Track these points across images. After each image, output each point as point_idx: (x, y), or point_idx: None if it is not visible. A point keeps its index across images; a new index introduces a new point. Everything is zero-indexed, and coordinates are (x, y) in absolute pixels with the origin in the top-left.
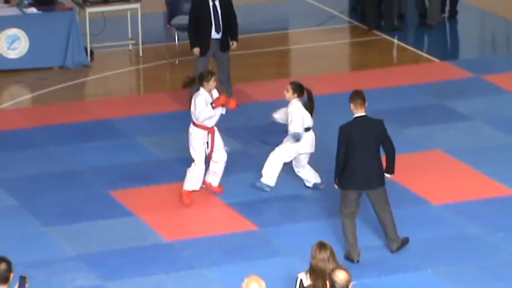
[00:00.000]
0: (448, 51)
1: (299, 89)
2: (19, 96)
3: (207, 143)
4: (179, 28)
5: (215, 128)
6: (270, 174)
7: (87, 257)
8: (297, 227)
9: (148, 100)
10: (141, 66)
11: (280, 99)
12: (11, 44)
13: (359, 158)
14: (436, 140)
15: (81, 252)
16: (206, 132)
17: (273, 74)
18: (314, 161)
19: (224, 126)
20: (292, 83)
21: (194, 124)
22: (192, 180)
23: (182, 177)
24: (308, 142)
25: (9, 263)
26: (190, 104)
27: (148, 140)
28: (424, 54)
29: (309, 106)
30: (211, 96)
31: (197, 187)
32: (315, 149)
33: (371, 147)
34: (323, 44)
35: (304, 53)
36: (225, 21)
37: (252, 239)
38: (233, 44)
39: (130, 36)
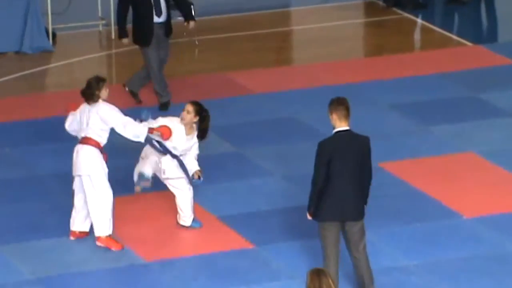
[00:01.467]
0: (483, 33)
1: (202, 111)
2: None
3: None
4: None
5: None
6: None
7: (48, 280)
8: (299, 245)
9: (122, 92)
10: (113, 51)
11: (281, 90)
12: None
13: (342, 181)
14: (468, 140)
15: (40, 275)
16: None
17: (271, 60)
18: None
19: (214, 123)
20: (193, 103)
21: (87, 140)
22: (103, 218)
23: (163, 185)
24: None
25: None
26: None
27: (122, 141)
28: (454, 37)
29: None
30: None
31: (110, 232)
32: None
33: (356, 168)
34: (332, 24)
35: (309, 35)
36: (167, 1)
37: (247, 259)
38: (189, 24)
39: (100, 15)
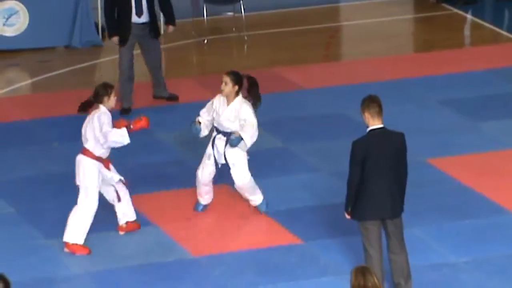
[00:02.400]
0: None
1: (238, 79)
2: (17, 82)
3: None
4: (208, 0)
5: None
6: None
7: (96, 275)
8: (347, 241)
9: (172, 87)
10: (163, 46)
11: (330, 86)
12: (7, 19)
13: (378, 180)
14: None
15: (89, 269)
16: (100, 164)
17: (319, 56)
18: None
19: (262, 119)
20: (229, 73)
21: (86, 152)
22: (79, 227)
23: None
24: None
25: (7, 283)
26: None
27: (170, 135)
28: (504, 33)
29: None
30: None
31: (82, 240)
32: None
33: (392, 166)
34: (380, 20)
35: (357, 31)
36: (150, 1)
37: (295, 255)
38: (169, 29)
39: None
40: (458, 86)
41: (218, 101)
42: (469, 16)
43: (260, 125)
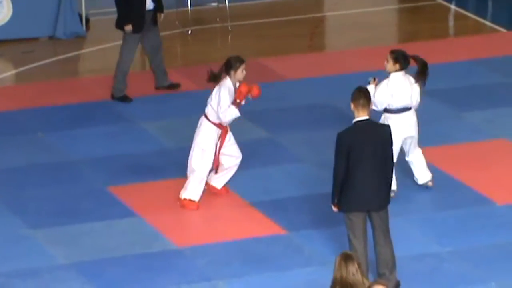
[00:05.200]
0: None
1: (402, 59)
2: (1, 73)
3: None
4: None
5: (228, 127)
6: None
7: (82, 265)
8: (331, 231)
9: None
10: None
11: (315, 76)
12: None
13: (363, 171)
14: (501, 127)
15: (74, 259)
16: (219, 130)
17: (304, 46)
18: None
19: (247, 109)
20: (392, 52)
21: (208, 117)
22: (193, 188)
23: None
24: (406, 122)
25: None
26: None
27: (154, 126)
28: (488, 23)
29: (420, 77)
30: (235, 87)
31: (197, 198)
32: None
33: (377, 157)
34: (365, 10)
35: (342, 21)
36: None
37: (280, 245)
38: (161, 17)
39: None
40: (442, 77)
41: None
42: (452, 7)
43: (244, 115)
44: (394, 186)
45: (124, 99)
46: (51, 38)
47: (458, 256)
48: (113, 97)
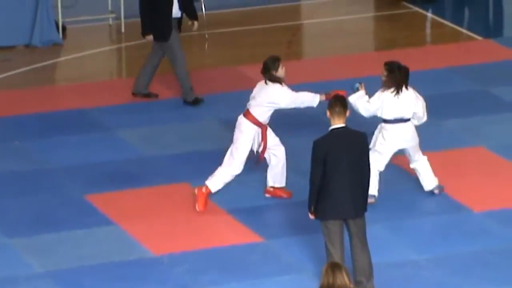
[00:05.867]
0: (493, 27)
1: (397, 70)
2: None
3: (257, 141)
4: None
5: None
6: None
7: (59, 274)
8: (309, 239)
9: (132, 86)
10: (123, 44)
11: (292, 84)
12: None
13: (339, 179)
14: (478, 135)
15: (51, 268)
16: (259, 129)
17: (281, 54)
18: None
19: (224, 117)
20: (386, 64)
21: (248, 115)
22: (218, 179)
23: (172, 178)
24: (401, 134)
25: None
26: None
27: (131, 134)
28: (464, 31)
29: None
30: None
31: (214, 189)
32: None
33: (353, 165)
34: (342, 18)
35: (319, 29)
36: None
37: (257, 253)
38: (195, 25)
39: (110, 8)
40: (419, 84)
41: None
42: (429, 15)
43: (221, 123)
44: (375, 192)
45: (196, 102)
46: (27, 46)
47: (435, 263)
48: (185, 102)
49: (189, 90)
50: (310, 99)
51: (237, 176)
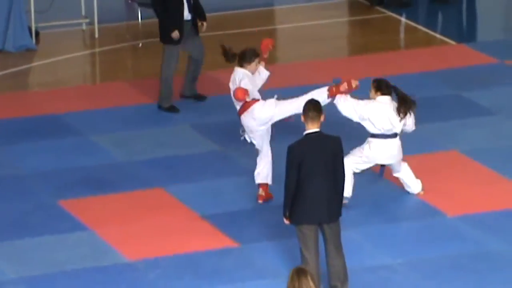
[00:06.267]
0: (466, 31)
1: (385, 87)
2: None
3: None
4: (143, 3)
5: None
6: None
7: (32, 280)
8: (283, 243)
9: (106, 91)
10: (97, 49)
11: (266, 89)
12: None
13: (314, 184)
14: (451, 139)
15: (24, 274)
16: None
17: None
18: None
19: (198, 122)
20: (374, 81)
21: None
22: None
23: (146, 183)
24: (386, 151)
25: None
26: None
27: (105, 139)
28: (438, 35)
29: (400, 106)
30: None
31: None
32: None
33: (328, 170)
34: (316, 23)
35: (293, 34)
36: None
37: (231, 258)
38: (203, 26)
39: (83, 13)
40: None
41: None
42: (403, 19)
43: (194, 128)
44: (348, 194)
45: (171, 109)
46: (0, 51)
47: (410, 267)
48: (159, 107)
49: (166, 96)
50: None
51: (212, 181)
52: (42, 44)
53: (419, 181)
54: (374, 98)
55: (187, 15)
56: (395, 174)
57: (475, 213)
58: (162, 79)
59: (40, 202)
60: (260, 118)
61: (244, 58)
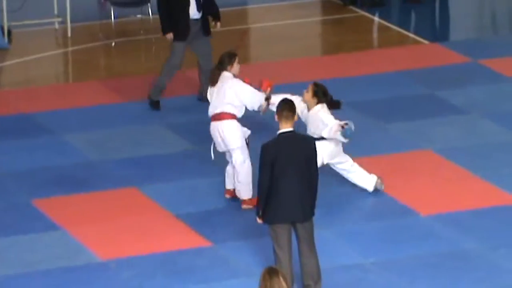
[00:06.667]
0: (439, 31)
1: (321, 94)
2: None
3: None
4: (116, 3)
5: None
6: None
7: (5, 280)
8: (257, 242)
9: (79, 90)
10: (69, 48)
11: None
12: None
13: (287, 183)
14: (425, 138)
15: None
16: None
17: None
18: None
19: (173, 122)
20: (315, 85)
21: (224, 116)
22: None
23: (119, 183)
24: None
25: None
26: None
27: (78, 138)
28: (411, 35)
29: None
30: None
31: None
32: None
33: (301, 169)
34: (289, 22)
35: (266, 33)
36: None
37: (205, 257)
38: (217, 26)
39: (56, 12)
40: (366, 88)
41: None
42: (376, 19)
43: (168, 127)
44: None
45: (155, 105)
46: None
47: (383, 267)
48: (149, 97)
49: (158, 90)
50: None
51: (186, 180)
52: (15, 43)
53: (371, 175)
54: (308, 101)
55: (194, 13)
56: (345, 176)
57: (448, 212)
58: (161, 72)
59: (13, 202)
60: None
61: (225, 62)
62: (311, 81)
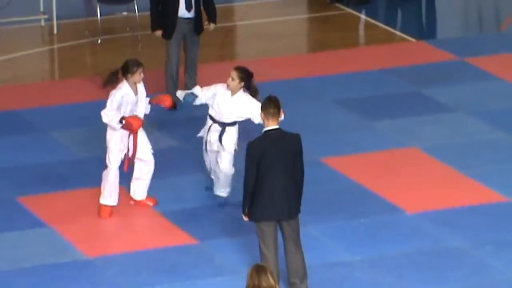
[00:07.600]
0: (426, 28)
1: (246, 77)
2: None
3: (128, 145)
4: (102, 0)
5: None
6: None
7: None
8: (243, 240)
9: (65, 87)
10: (55, 46)
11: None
12: None
13: (273, 181)
14: (412, 136)
15: None
16: (126, 132)
17: (214, 55)
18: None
19: (157, 118)
20: (238, 69)
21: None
22: (107, 191)
23: None
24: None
25: None
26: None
27: (64, 135)
28: (398, 32)
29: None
30: (135, 90)
31: (114, 202)
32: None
33: (287, 167)
34: (275, 19)
35: (252, 30)
36: None
37: (191, 255)
38: (210, 26)
39: (42, 9)
40: (352, 86)
41: (221, 91)
42: (362, 16)
43: (154, 125)
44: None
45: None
46: None
47: (369, 264)
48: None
49: (169, 91)
50: (106, 119)
51: (172, 178)
52: (0, 40)
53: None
54: (236, 89)
55: (183, 12)
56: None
57: (434, 209)
58: (165, 74)
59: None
60: None
61: (128, 69)
62: (297, 79)
